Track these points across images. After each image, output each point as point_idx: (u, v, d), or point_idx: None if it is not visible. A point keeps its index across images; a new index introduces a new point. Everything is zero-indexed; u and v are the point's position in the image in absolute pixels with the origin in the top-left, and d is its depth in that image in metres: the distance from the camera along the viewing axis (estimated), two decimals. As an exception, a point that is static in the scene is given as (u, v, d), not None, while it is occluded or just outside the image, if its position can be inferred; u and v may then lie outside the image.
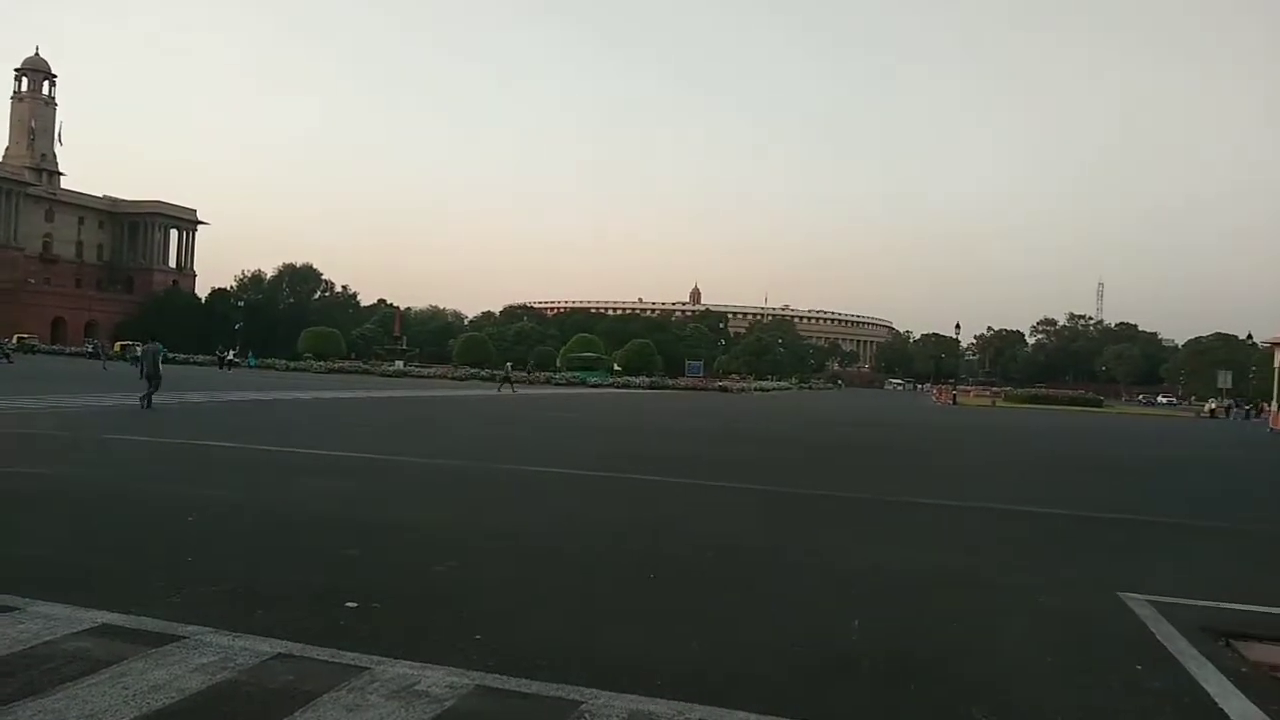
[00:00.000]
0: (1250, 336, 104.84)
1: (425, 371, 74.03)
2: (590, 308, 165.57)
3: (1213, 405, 68.82)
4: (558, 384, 64.55)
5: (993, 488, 13.61)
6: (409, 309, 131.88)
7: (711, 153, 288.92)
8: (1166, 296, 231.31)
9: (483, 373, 72.10)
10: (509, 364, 60.24)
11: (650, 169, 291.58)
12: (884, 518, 9.93)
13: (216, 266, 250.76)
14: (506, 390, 45.98)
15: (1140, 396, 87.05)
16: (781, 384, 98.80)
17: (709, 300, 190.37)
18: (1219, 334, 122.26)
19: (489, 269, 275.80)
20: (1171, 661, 4.76)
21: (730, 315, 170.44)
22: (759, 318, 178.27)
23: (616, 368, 79.95)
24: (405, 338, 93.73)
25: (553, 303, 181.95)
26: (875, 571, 6.77)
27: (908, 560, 7.28)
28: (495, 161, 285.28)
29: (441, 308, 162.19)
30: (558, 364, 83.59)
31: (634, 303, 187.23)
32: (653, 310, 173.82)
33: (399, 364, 76.45)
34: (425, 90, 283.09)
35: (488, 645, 4.44)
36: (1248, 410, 67.58)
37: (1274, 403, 46.15)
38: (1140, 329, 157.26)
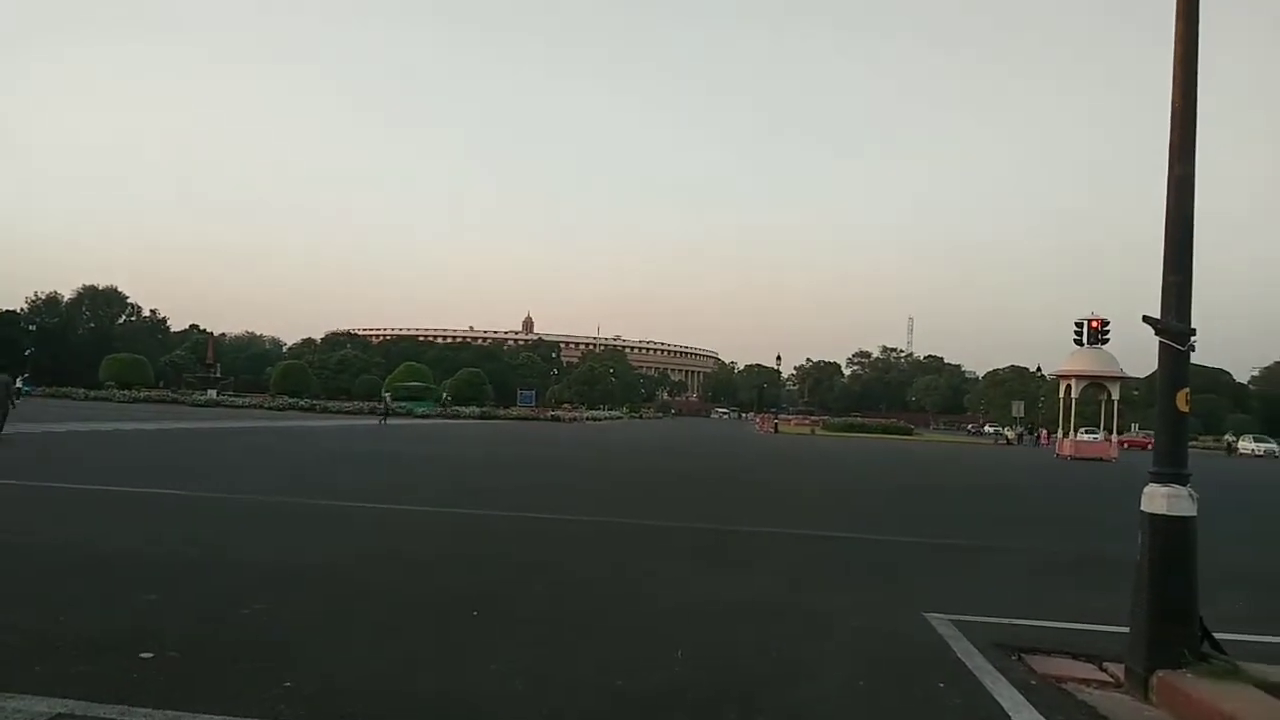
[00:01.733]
0: (1039, 369, 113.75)
1: (239, 401, 70.38)
2: (418, 335, 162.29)
3: (1009, 434, 74.13)
4: (378, 413, 62.66)
5: (809, 514, 14.13)
6: (223, 335, 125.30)
7: (545, 183, 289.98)
8: (969, 331, 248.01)
9: (301, 402, 69.15)
10: (388, 395, 58.65)
11: (484, 195, 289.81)
12: (708, 545, 10.12)
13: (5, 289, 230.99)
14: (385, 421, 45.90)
15: (969, 426, 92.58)
16: (613, 413, 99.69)
17: (542, 329, 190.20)
18: (1013, 366, 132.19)
19: (311, 294, 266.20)
20: (970, 677, 5.04)
21: (563, 345, 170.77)
22: (591, 347, 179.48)
23: (446, 397, 78.49)
24: (219, 365, 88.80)
25: (378, 330, 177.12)
26: (700, 600, 6.87)
27: (730, 588, 7.44)
28: (319, 182, 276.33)
29: (259, 334, 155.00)
30: (383, 393, 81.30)
31: (464, 331, 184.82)
32: (484, 339, 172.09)
33: (211, 393, 72.38)
34: (243, 99, 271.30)
35: (299, 693, 4.21)
36: (1035, 437, 73.73)
37: (1059, 430, 50.07)
38: (946, 361, 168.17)
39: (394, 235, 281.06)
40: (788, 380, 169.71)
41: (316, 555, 8.21)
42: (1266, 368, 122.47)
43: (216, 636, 5.20)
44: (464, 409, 70.80)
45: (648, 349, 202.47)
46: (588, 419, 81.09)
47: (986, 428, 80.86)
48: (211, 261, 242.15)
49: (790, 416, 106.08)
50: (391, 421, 51.15)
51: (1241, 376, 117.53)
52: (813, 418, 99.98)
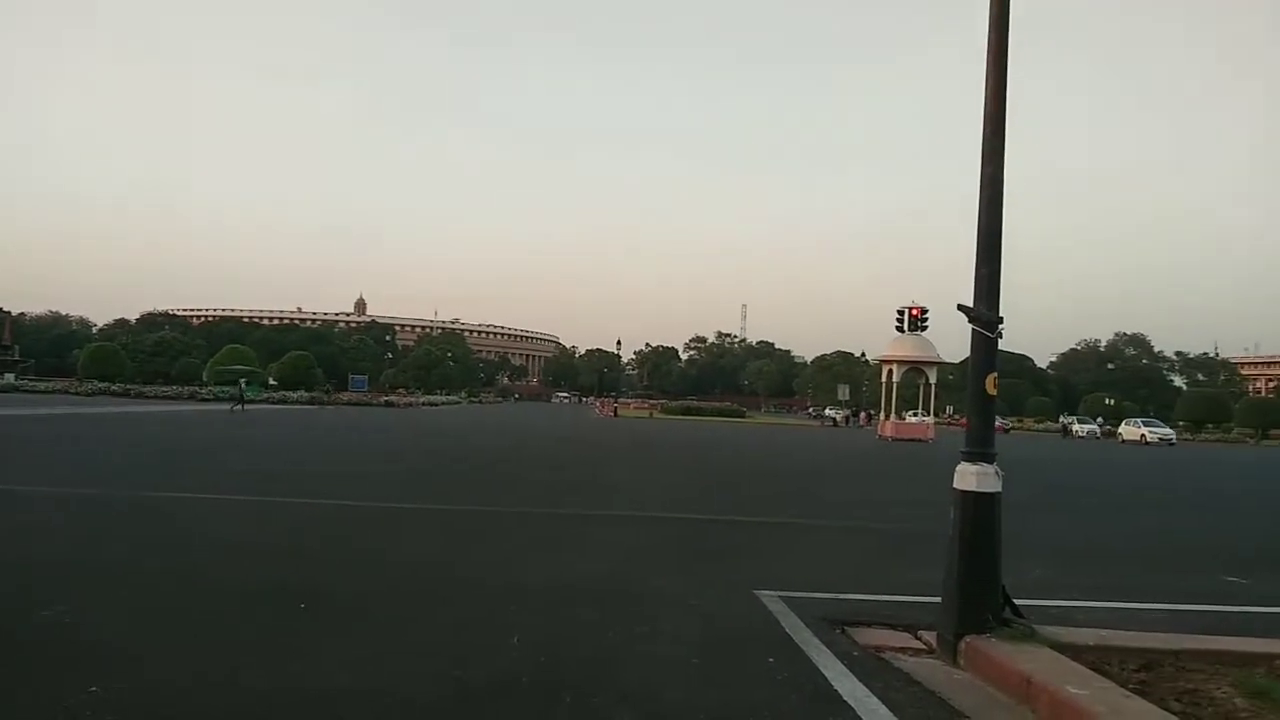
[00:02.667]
0: (864, 354, 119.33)
1: (42, 386, 65.19)
2: (242, 316, 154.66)
3: (836, 416, 77.55)
4: (203, 399, 59.42)
5: (645, 496, 14.35)
6: (22, 314, 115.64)
7: (380, 159, 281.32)
8: (799, 318, 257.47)
9: (114, 387, 64.72)
10: (243, 380, 55.60)
11: (313, 166, 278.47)
12: (543, 529, 10.14)
13: None
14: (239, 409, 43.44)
15: (809, 409, 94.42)
16: (451, 398, 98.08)
17: (375, 311, 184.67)
18: (840, 351, 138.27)
19: (125, 269, 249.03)
20: (797, 651, 5.25)
21: (398, 327, 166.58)
22: (428, 330, 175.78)
23: (272, 381, 75.13)
24: (17, 347, 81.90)
25: (200, 310, 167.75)
26: (535, 585, 6.86)
27: (566, 571, 7.47)
28: (130, 151, 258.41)
29: (64, 313, 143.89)
30: (204, 377, 77.01)
31: (293, 312, 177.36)
32: (314, 320, 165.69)
33: (9, 377, 66.72)
34: (52, 64, 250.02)
35: (106, 700, 3.95)
36: (858, 419, 77.51)
37: (881, 413, 52.73)
38: (777, 347, 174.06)
39: (213, 210, 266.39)
40: (628, 365, 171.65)
41: (123, 550, 7.74)
42: (1063, 354, 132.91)
43: (14, 639, 4.82)
44: (292, 394, 67.98)
45: (487, 332, 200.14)
46: (424, 404, 79.47)
47: (828, 411, 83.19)
48: (7, 235, 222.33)
49: (630, 400, 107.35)
50: (220, 407, 48.59)
51: (1042, 362, 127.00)
52: (651, 401, 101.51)
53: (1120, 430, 65.65)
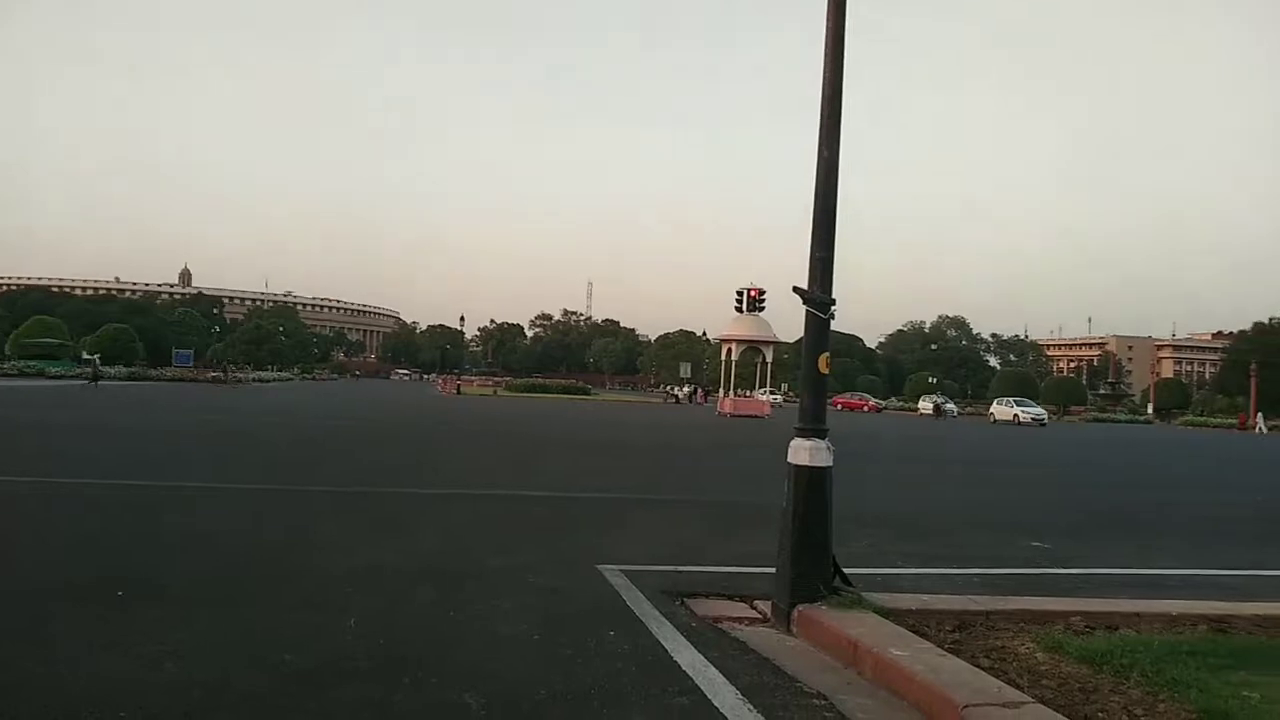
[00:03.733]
0: (705, 333, 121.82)
1: None
2: (51, 286, 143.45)
3: (678, 394, 78.91)
4: (7, 374, 54.87)
5: (487, 473, 14.24)
6: None
7: (205, 118, 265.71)
8: (644, 297, 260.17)
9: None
10: (96, 356, 51.53)
11: (132, 125, 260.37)
12: (383, 510, 9.90)
13: None
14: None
15: (668, 388, 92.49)
16: (284, 374, 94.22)
17: (201, 283, 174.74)
18: (682, 330, 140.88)
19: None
20: (638, 624, 5.33)
21: (226, 300, 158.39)
22: (259, 303, 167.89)
23: (86, 356, 70.07)
24: None
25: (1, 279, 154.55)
26: (370, 566, 6.69)
27: (405, 551, 7.33)
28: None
29: None
30: (6, 351, 71.11)
31: (109, 282, 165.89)
32: (133, 291, 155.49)
33: None
34: None
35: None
36: (705, 395, 79.11)
37: (721, 390, 54.03)
38: (622, 325, 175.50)
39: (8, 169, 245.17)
40: (471, 341, 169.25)
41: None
42: (890, 335, 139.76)
43: None
44: (109, 369, 63.63)
45: (323, 306, 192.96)
46: (254, 380, 76.01)
47: (683, 389, 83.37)
48: None
49: (473, 378, 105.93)
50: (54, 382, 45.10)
51: (871, 342, 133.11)
52: (496, 379, 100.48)
53: (992, 410, 62.90)
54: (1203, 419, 76.59)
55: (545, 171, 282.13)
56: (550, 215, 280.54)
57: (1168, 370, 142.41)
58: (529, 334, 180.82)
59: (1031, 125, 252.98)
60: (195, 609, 5.34)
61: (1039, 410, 59.89)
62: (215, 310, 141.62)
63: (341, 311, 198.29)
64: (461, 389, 72.19)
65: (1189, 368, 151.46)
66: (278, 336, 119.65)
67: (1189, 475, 21.98)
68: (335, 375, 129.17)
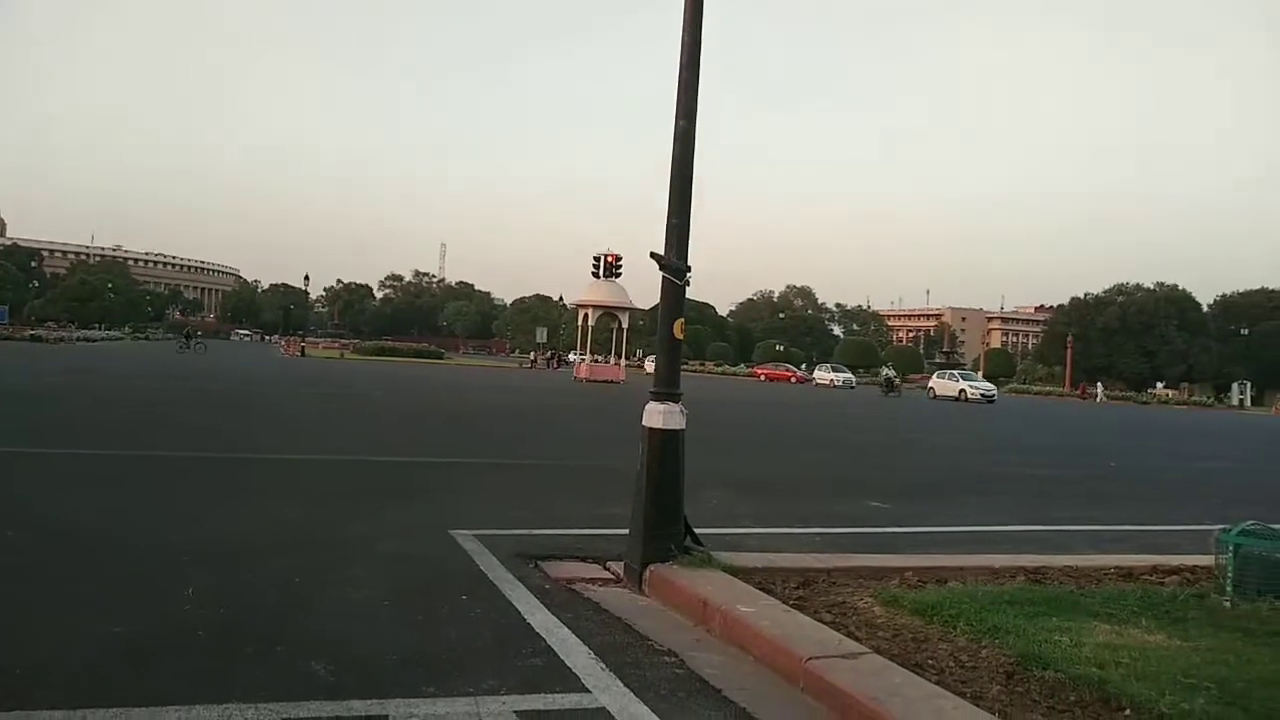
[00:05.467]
0: (561, 298, 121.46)
1: None
2: None
3: (534, 358, 78.58)
4: None
5: (336, 438, 13.84)
6: None
7: (19, 52, 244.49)
8: (500, 260, 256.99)
9: None
10: None
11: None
12: (227, 476, 9.48)
13: None
14: None
15: (543, 356, 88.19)
16: (113, 334, 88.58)
17: (17, 234, 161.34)
18: (538, 295, 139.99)
19: None
20: (491, 588, 5.32)
21: (46, 253, 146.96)
22: (84, 258, 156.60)
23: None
24: None
25: None
26: (218, 535, 6.42)
27: (253, 520, 7.06)
28: None
29: None
30: None
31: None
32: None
33: None
34: None
35: None
36: (560, 360, 78.97)
37: (576, 354, 54.13)
38: (477, 288, 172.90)
39: None
40: (317, 302, 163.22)
41: None
42: (741, 303, 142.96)
43: None
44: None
45: (156, 262, 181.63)
46: (80, 339, 71.10)
47: (534, 355, 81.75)
48: None
49: (319, 340, 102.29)
50: None
51: (723, 310, 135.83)
52: (343, 341, 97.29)
53: (931, 384, 56.68)
54: (1025, 387, 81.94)
55: (401, 133, 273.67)
56: (402, 175, 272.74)
57: (996, 341, 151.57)
58: (378, 295, 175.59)
59: (875, 108, 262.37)
60: (12, 584, 4.99)
61: (988, 386, 54.04)
62: (33, 263, 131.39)
63: (177, 268, 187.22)
64: (306, 351, 69.68)
65: (1015, 339, 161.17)
66: (106, 293, 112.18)
67: (1039, 444, 23.51)
68: (169, 335, 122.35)
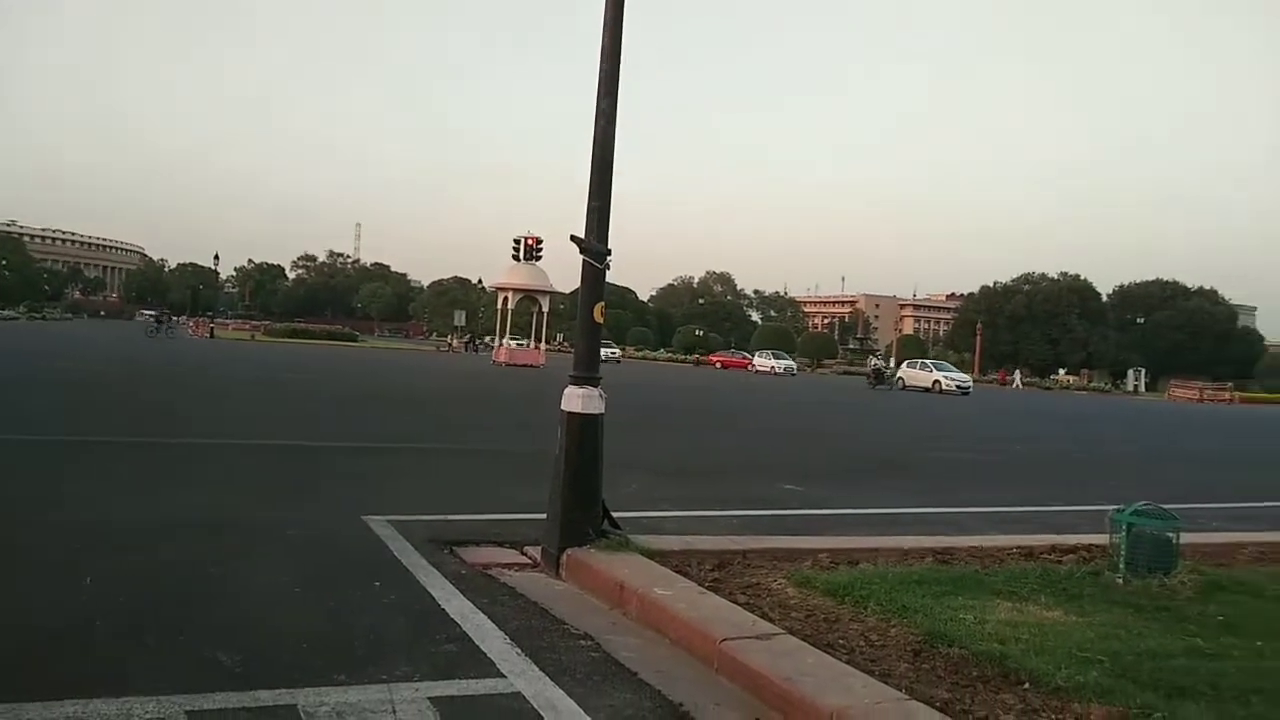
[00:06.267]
0: (480, 281, 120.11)
1: None
2: None
3: (453, 342, 77.60)
4: None
5: (248, 422, 13.48)
6: None
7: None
8: (417, 241, 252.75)
9: None
10: None
11: None
12: (132, 461, 9.15)
13: None
14: None
15: (449, 337, 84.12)
16: (7, 313, 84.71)
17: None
18: (456, 277, 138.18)
19: None
20: (405, 574, 5.25)
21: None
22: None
23: None
24: None
25: None
26: (125, 521, 6.18)
27: (161, 506, 6.82)
28: None
29: None
30: None
31: None
32: None
33: None
34: None
35: None
36: (478, 344, 78.11)
37: (496, 339, 53.63)
38: (393, 269, 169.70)
39: None
40: (227, 282, 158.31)
41: None
42: (662, 288, 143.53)
43: None
44: None
45: (55, 239, 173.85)
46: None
47: (452, 339, 79.29)
48: None
49: (229, 321, 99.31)
50: None
51: (643, 295, 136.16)
52: (254, 323, 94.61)
53: (901, 374, 52.84)
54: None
55: (316, 110, 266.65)
56: (318, 155, 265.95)
57: (909, 327, 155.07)
58: (291, 276, 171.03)
59: (794, 96, 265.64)
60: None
61: (964, 377, 50.63)
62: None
63: (77, 245, 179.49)
64: (215, 332, 67.64)
65: (927, 325, 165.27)
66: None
67: (960, 428, 24.13)
68: (69, 315, 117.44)
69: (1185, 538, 5.73)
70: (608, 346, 67.78)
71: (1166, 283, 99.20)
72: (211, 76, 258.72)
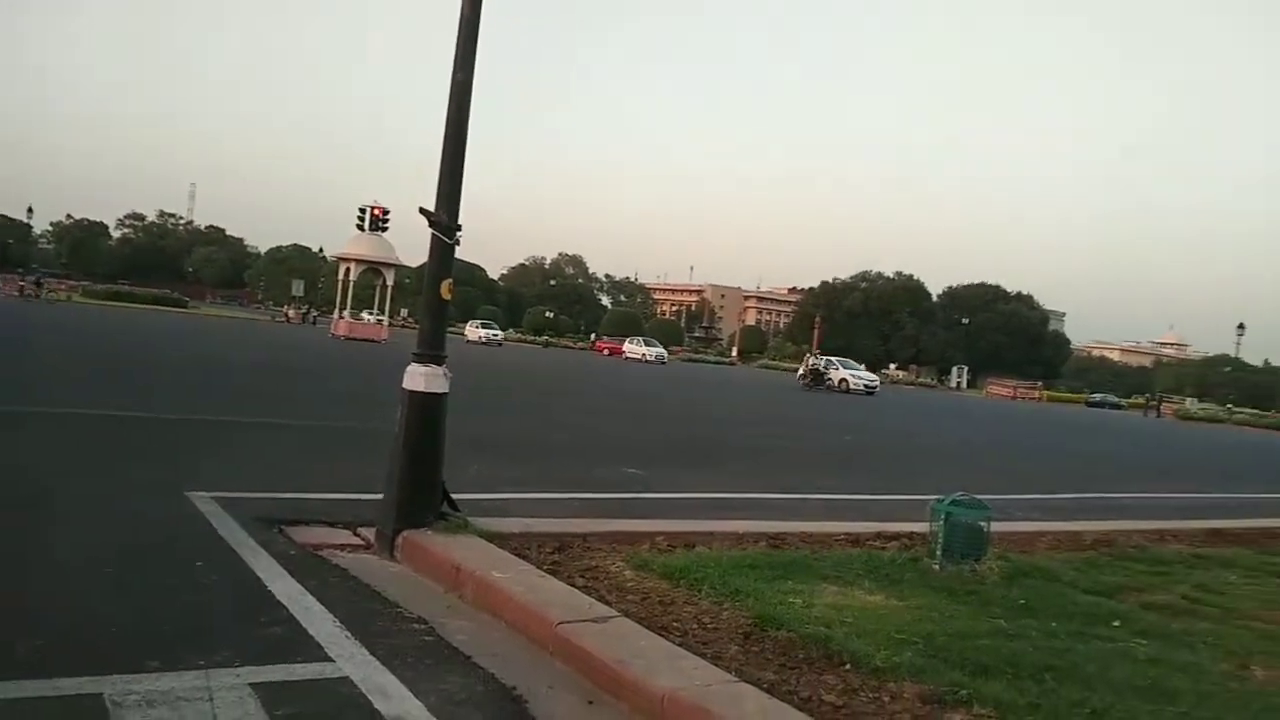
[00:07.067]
0: (322, 250, 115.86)
1: None
2: None
3: (290, 313, 74.46)
4: None
5: (54, 390, 12.53)
6: None
7: None
8: (256, 205, 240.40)
9: None
10: None
11: None
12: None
13: None
14: None
15: (287, 306, 77.65)
16: None
17: None
18: (296, 245, 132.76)
19: None
20: (230, 553, 5.00)
21: None
22: None
23: None
24: None
25: None
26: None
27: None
28: None
29: None
30: None
31: None
32: None
33: None
34: None
35: None
36: (316, 317, 75.04)
37: (336, 310, 51.79)
38: (229, 234, 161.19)
39: None
40: (42, 237, 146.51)
41: None
42: (513, 268, 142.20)
43: None
44: None
45: None
46: None
47: (289, 309, 74.46)
48: None
49: (46, 280, 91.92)
50: None
51: (494, 273, 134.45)
52: (70, 283, 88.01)
53: (804, 370, 47.59)
54: (775, 362, 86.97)
55: (147, 61, 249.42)
56: (150, 107, 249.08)
57: (751, 318, 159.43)
58: (116, 235, 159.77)
59: (650, 86, 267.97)
60: None
61: (871, 377, 49.32)
62: None
63: None
64: (25, 291, 62.48)
65: (769, 317, 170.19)
66: None
67: (804, 417, 24.88)
68: None
69: (995, 526, 6.12)
70: (489, 328, 66.24)
71: (989, 286, 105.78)
72: (40, 27, 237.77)
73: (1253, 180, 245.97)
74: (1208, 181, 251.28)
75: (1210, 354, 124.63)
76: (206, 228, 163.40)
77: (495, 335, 65.49)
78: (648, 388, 31.17)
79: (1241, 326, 66.05)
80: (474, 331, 65.22)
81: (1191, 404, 75.18)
